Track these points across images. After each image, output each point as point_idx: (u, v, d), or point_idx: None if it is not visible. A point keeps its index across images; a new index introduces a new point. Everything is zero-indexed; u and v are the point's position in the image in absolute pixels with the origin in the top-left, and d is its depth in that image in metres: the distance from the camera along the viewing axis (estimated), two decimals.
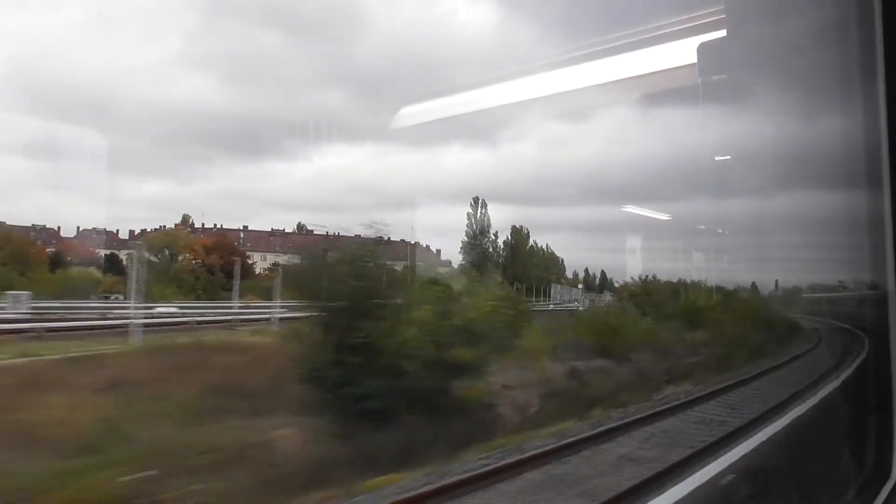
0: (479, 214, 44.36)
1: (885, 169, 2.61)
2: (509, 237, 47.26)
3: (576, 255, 40.76)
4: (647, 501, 7.39)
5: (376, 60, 36.54)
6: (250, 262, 39.01)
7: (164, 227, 38.34)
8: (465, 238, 43.75)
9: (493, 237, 45.07)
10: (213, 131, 37.82)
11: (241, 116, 33.98)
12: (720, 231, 27.14)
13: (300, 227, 48.59)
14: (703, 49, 3.88)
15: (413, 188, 41.98)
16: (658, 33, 4.55)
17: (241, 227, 45.88)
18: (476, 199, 44.19)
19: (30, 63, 33.44)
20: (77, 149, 34.88)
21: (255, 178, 45.46)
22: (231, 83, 43.13)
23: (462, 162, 45.09)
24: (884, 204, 2.60)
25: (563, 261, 45.42)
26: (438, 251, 50.00)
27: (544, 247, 47.95)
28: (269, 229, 45.81)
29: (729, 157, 15.11)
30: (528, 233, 47.58)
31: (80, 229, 36.62)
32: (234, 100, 40.43)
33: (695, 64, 4.16)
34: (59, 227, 37.51)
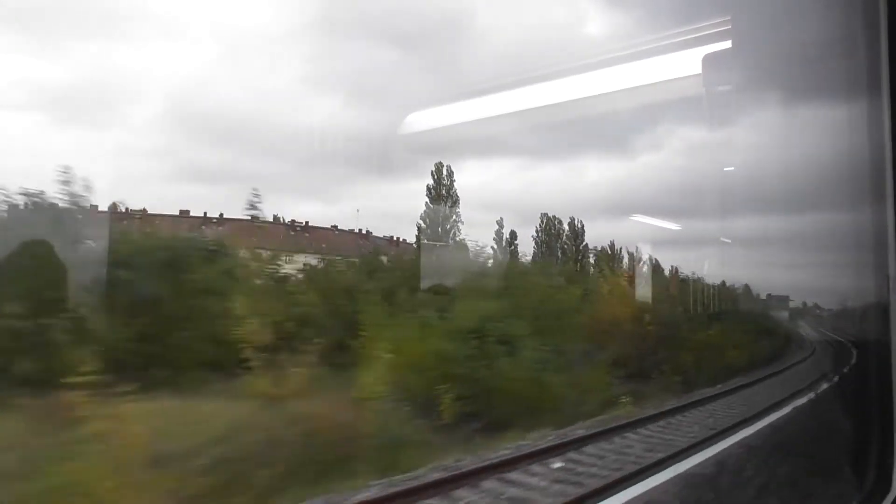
0: (442, 184, 32.70)
1: (889, 183, 2.60)
2: (538, 230, 38.01)
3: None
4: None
5: (494, 70, 35.78)
6: None
7: None
8: (421, 223, 31.52)
9: (497, 226, 34.96)
10: (349, 151, 37.59)
11: (373, 135, 33.40)
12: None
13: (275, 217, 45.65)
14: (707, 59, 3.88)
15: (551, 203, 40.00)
16: (662, 43, 4.55)
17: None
18: (439, 168, 32.48)
19: (181, 96, 34.21)
20: (233, 174, 36.61)
21: (397, 197, 44.68)
22: (357, 103, 42.88)
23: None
24: (887, 219, 2.59)
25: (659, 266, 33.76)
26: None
27: (633, 251, 36.28)
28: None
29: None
30: (583, 226, 38.17)
31: None
32: (364, 119, 40.11)
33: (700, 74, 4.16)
34: None
